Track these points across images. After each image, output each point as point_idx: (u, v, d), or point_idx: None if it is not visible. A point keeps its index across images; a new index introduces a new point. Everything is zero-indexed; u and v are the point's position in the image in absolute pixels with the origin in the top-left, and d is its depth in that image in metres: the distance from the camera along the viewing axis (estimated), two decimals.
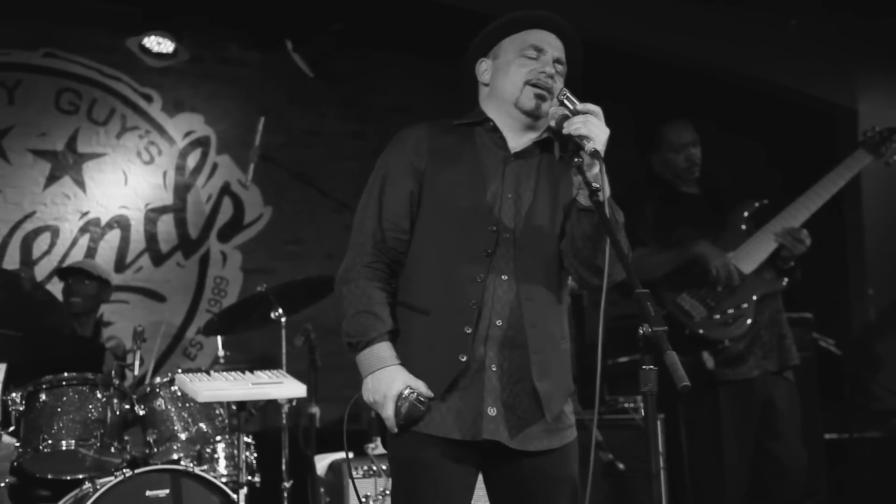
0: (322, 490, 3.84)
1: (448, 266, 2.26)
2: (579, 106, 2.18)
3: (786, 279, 3.81)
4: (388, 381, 2.21)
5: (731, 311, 3.71)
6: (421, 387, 2.20)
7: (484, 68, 2.41)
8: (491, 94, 2.38)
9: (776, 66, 5.78)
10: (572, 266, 2.30)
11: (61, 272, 4.73)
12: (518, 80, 2.31)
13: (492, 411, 2.21)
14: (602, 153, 2.10)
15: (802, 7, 5.59)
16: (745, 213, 3.87)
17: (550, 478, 2.28)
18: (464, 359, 2.20)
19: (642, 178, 4.16)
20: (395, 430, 2.22)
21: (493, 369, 2.22)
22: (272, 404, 4.21)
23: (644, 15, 5.43)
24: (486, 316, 2.23)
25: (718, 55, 5.73)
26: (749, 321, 3.70)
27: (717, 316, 3.70)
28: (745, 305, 3.71)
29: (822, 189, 3.87)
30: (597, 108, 2.17)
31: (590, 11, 5.12)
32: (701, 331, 3.67)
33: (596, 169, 2.09)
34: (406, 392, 2.19)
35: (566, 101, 2.21)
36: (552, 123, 2.24)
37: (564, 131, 2.16)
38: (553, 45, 2.34)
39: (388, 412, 2.20)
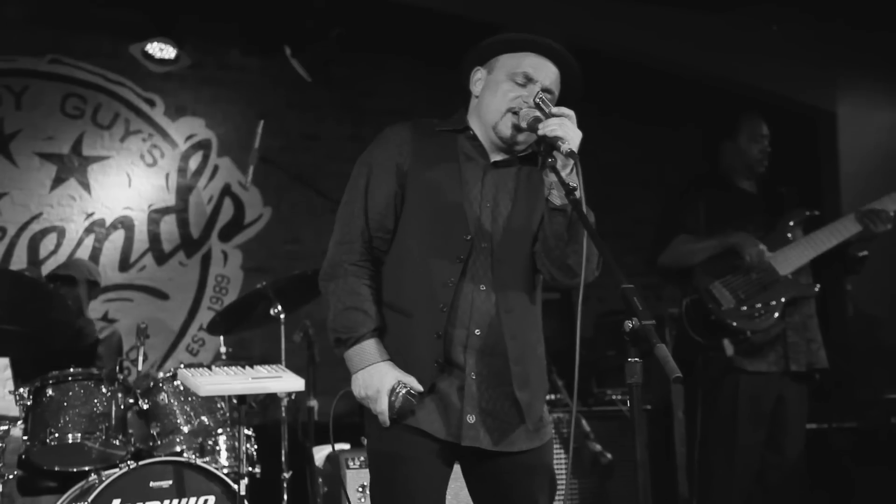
0: (320, 480, 3.85)
1: (424, 269, 2.25)
2: (554, 109, 2.16)
3: (818, 286, 3.83)
4: (380, 377, 2.20)
5: (759, 305, 3.73)
6: (412, 381, 2.19)
7: (478, 78, 2.36)
8: (477, 108, 2.35)
9: (758, 71, 5.80)
10: (544, 267, 2.29)
11: (49, 278, 4.69)
12: (501, 106, 2.27)
13: (470, 419, 2.21)
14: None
15: (785, 14, 5.61)
16: (793, 221, 3.87)
17: (529, 468, 2.29)
18: (436, 364, 2.20)
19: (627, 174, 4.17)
20: (388, 423, 2.20)
21: (473, 377, 2.22)
22: (272, 398, 4.21)
23: (631, 21, 5.44)
24: (463, 324, 2.22)
25: (703, 60, 5.75)
26: (775, 317, 3.71)
27: (745, 308, 3.72)
28: (774, 303, 3.72)
29: (867, 208, 3.85)
30: (570, 112, 2.15)
31: (579, 18, 5.12)
32: (727, 319, 3.70)
33: (569, 169, 2.08)
34: (398, 387, 2.18)
35: (541, 104, 2.19)
36: (523, 124, 2.21)
37: (539, 132, 2.13)
38: (545, 74, 2.28)
39: (382, 406, 2.19)
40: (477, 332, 2.23)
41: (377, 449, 2.29)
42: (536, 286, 2.35)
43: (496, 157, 2.33)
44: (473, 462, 2.29)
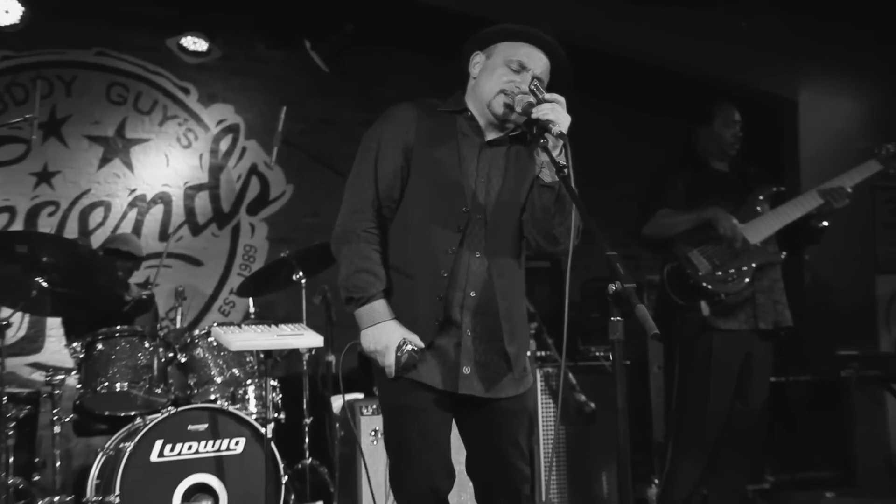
0: (337, 425, 3.88)
1: (427, 238, 2.25)
2: (546, 95, 2.16)
3: (783, 253, 3.85)
4: (388, 334, 2.21)
5: (732, 270, 3.74)
6: (415, 339, 2.21)
7: (476, 61, 2.36)
8: (474, 88, 2.35)
9: (730, 63, 5.76)
10: (531, 235, 2.30)
11: (107, 252, 4.68)
12: (495, 87, 2.27)
13: (466, 370, 2.23)
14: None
15: (752, 10, 5.57)
16: (762, 196, 3.88)
17: (512, 412, 2.32)
18: (437, 323, 2.21)
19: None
20: (393, 375, 2.22)
21: (469, 333, 2.24)
22: (294, 353, 4.25)
23: (619, 18, 5.40)
24: (460, 286, 2.23)
25: (682, 53, 5.71)
26: (745, 281, 3.73)
27: (720, 273, 3.74)
28: (745, 269, 3.74)
29: (827, 186, 3.86)
30: (561, 98, 2.15)
31: (572, 15, 5.09)
32: (703, 283, 3.72)
33: (559, 149, 2.08)
34: (404, 344, 2.20)
35: (535, 91, 2.19)
36: (518, 109, 2.21)
37: (533, 116, 2.14)
38: (538, 63, 2.28)
39: (389, 360, 2.21)
40: (472, 293, 2.24)
41: (387, 402, 2.32)
42: (522, 252, 2.37)
43: (490, 135, 2.34)
44: (468, 409, 2.31)
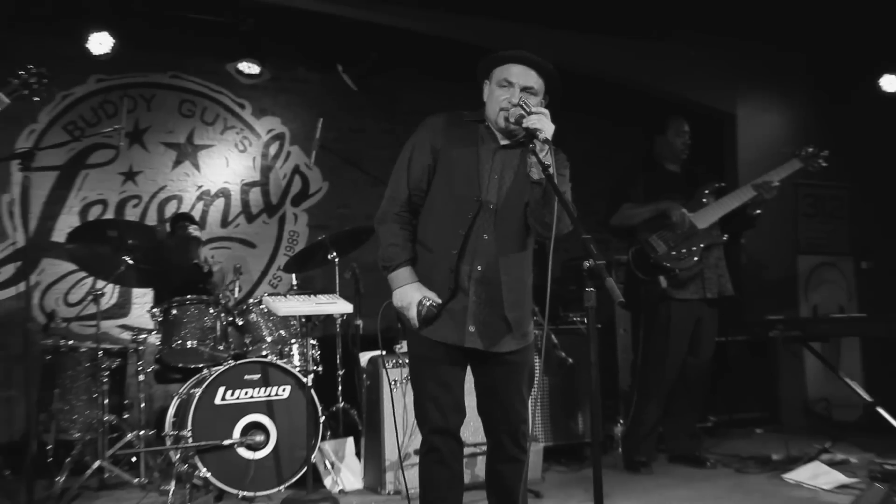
0: (364, 376, 3.89)
1: (445, 221, 2.28)
2: (533, 109, 2.17)
3: (725, 236, 3.86)
4: (411, 294, 2.26)
5: (684, 250, 3.76)
6: (434, 297, 2.24)
7: (485, 89, 2.38)
8: (486, 110, 2.36)
9: (680, 83, 5.71)
10: (531, 223, 2.31)
11: (176, 218, 4.68)
12: (496, 107, 2.29)
13: (471, 329, 2.25)
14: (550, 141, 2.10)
15: (699, 39, 5.52)
16: (707, 190, 3.89)
17: (514, 363, 2.34)
18: (449, 290, 2.25)
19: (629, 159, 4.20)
20: (417, 326, 2.27)
21: (474, 299, 2.26)
22: (329, 318, 4.25)
23: (595, 46, 5.36)
24: (469, 261, 2.25)
25: (642, 75, 5.65)
26: (695, 259, 3.75)
27: (674, 253, 3.76)
28: (695, 248, 3.78)
29: (759, 181, 3.85)
30: (546, 111, 2.16)
31: (558, 46, 5.04)
32: (661, 262, 3.73)
33: (546, 152, 2.08)
34: (424, 300, 2.24)
35: (523, 106, 2.19)
36: (512, 120, 2.23)
37: (524, 125, 2.15)
38: (522, 77, 2.26)
39: (412, 314, 2.26)
40: (479, 267, 2.26)
41: (412, 353, 2.37)
42: (528, 235, 2.37)
43: (503, 142, 2.35)
44: (477, 363, 2.33)
